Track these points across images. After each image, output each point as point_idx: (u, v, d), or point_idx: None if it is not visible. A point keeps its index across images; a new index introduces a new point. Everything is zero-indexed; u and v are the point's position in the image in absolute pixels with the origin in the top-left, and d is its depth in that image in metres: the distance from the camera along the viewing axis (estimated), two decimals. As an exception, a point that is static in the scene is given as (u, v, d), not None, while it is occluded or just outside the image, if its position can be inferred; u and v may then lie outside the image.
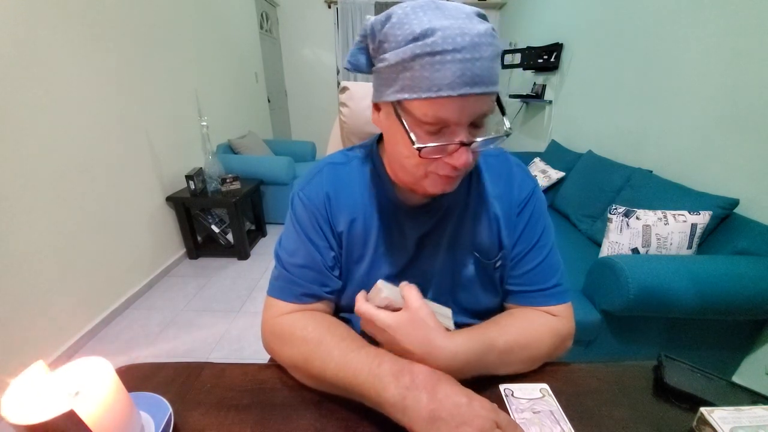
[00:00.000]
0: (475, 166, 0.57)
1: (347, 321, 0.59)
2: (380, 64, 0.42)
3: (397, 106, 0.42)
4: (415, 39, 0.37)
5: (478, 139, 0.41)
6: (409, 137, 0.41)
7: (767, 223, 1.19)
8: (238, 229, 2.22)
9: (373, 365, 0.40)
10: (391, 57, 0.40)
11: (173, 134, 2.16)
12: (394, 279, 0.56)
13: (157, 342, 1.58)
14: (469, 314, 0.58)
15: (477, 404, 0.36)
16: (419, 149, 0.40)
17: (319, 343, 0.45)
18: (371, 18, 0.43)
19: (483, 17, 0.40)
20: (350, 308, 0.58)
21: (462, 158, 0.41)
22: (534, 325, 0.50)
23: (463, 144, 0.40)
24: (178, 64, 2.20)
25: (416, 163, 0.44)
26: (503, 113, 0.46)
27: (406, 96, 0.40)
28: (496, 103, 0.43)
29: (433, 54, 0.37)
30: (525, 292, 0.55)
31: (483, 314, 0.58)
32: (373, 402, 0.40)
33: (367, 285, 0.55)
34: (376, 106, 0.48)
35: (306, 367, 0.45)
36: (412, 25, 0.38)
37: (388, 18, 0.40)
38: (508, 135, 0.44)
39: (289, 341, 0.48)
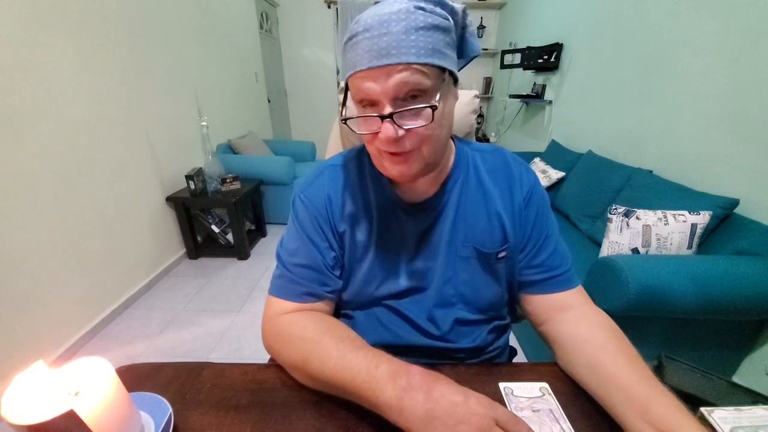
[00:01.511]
0: (473, 162, 0.58)
1: (349, 318, 0.60)
2: None
3: (347, 90, 0.48)
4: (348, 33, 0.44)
5: (398, 110, 0.41)
6: (339, 110, 0.47)
7: (767, 223, 1.19)
8: (238, 229, 2.22)
9: (371, 367, 0.40)
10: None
11: (173, 134, 2.16)
12: (396, 276, 0.56)
13: (157, 342, 1.58)
14: (474, 309, 0.58)
15: (474, 402, 0.36)
16: (344, 120, 0.45)
17: (318, 344, 0.45)
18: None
19: None
20: (353, 305, 0.59)
21: (386, 132, 0.42)
22: (608, 334, 0.49)
23: (383, 117, 0.42)
24: (178, 64, 2.20)
25: (368, 141, 0.48)
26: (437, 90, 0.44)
27: (341, 78, 0.46)
28: (438, 79, 0.43)
29: (351, 38, 0.43)
30: (545, 279, 0.55)
31: (486, 308, 0.59)
32: (370, 404, 0.40)
33: (370, 282, 0.56)
34: None
35: (305, 367, 0.45)
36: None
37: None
38: (433, 108, 0.42)
39: (289, 341, 0.48)
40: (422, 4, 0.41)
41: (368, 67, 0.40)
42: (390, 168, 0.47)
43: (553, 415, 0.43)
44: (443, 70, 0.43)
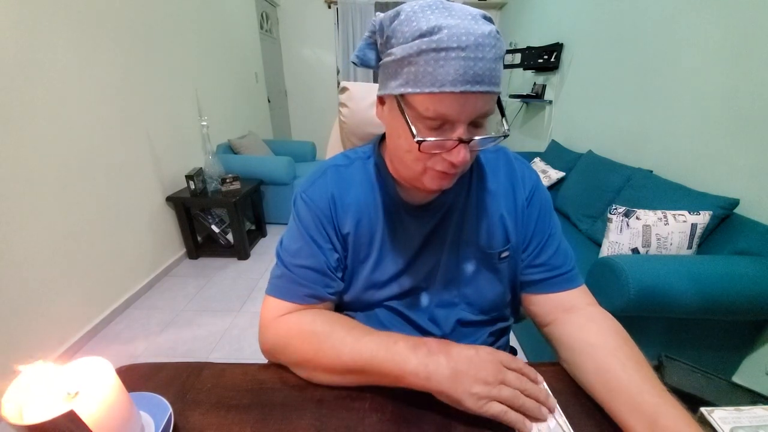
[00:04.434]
0: (476, 162, 0.58)
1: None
2: (387, 59, 0.43)
3: (401, 99, 0.43)
4: (422, 35, 0.39)
5: (477, 138, 0.42)
6: (410, 130, 0.42)
7: (767, 223, 1.19)
8: (238, 229, 2.23)
9: (389, 344, 0.43)
10: (397, 51, 0.41)
11: (173, 134, 2.16)
12: (399, 277, 0.56)
13: (157, 342, 1.58)
14: (476, 309, 0.58)
15: (483, 352, 0.42)
16: (419, 143, 0.41)
17: (330, 334, 0.46)
18: (380, 15, 0.44)
19: (488, 19, 0.41)
20: (354, 306, 0.59)
21: (460, 155, 0.42)
22: (610, 339, 0.48)
23: (461, 141, 0.41)
24: (178, 64, 2.20)
25: (415, 158, 0.44)
26: (502, 114, 0.47)
27: (410, 90, 0.41)
28: (496, 105, 0.44)
29: (438, 50, 0.38)
30: (548, 279, 0.55)
31: (489, 309, 0.59)
32: (393, 376, 0.42)
33: (373, 283, 0.56)
34: (381, 100, 0.49)
35: (317, 357, 0.46)
36: (419, 22, 0.39)
37: (397, 15, 0.42)
38: (505, 136, 0.45)
39: (298, 335, 0.48)
40: (494, 28, 0.40)
41: (460, 91, 0.38)
42: (430, 183, 0.46)
43: (553, 415, 0.43)
44: None
